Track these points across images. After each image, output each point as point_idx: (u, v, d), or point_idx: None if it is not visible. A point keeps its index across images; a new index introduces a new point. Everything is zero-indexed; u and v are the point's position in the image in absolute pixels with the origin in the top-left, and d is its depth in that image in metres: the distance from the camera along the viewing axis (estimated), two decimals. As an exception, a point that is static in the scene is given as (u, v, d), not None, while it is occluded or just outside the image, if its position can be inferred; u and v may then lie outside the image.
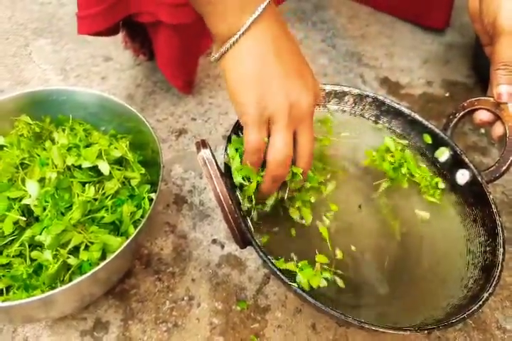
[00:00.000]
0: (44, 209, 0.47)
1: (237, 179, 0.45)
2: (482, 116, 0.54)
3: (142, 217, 0.49)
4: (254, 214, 0.49)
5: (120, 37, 0.86)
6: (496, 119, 0.53)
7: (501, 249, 0.48)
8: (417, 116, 0.60)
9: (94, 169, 0.51)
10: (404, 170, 0.58)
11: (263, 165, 0.44)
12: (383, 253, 0.54)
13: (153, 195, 0.50)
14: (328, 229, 0.53)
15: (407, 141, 0.61)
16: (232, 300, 0.52)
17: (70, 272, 0.45)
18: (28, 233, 0.45)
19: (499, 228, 0.49)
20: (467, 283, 0.48)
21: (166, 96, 0.79)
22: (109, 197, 0.50)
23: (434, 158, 0.59)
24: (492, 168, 0.54)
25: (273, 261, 0.43)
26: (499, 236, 0.49)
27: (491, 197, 0.51)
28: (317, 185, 0.54)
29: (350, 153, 0.63)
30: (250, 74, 0.40)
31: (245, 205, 0.48)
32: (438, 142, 0.58)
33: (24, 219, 0.46)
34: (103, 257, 0.45)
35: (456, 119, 0.58)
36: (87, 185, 0.50)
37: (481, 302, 0.43)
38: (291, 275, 0.43)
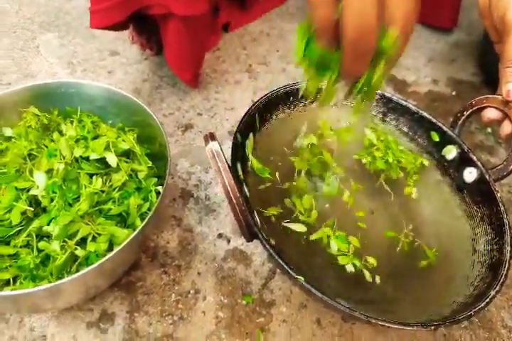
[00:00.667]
0: (51, 200, 0.47)
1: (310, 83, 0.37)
2: (490, 114, 0.54)
3: (149, 209, 0.49)
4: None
5: (127, 31, 0.86)
6: (504, 117, 0.53)
7: (508, 248, 0.48)
8: (425, 114, 0.60)
9: (102, 161, 0.51)
10: (391, 159, 0.58)
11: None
12: (389, 250, 0.54)
13: (160, 188, 0.50)
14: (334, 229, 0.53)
15: (384, 125, 0.62)
16: (238, 294, 0.52)
17: (77, 263, 0.45)
18: (35, 223, 0.45)
19: (506, 226, 0.49)
20: (473, 281, 0.48)
21: (172, 91, 0.79)
22: (116, 189, 0.50)
23: (441, 156, 0.59)
24: (500, 167, 0.54)
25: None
26: (506, 235, 0.48)
27: (499, 195, 0.51)
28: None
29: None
30: None
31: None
32: (445, 140, 0.58)
33: (32, 209, 0.46)
34: (110, 249, 0.45)
35: (464, 117, 0.58)
36: (94, 177, 0.50)
37: (487, 300, 0.43)
38: (297, 268, 0.42)
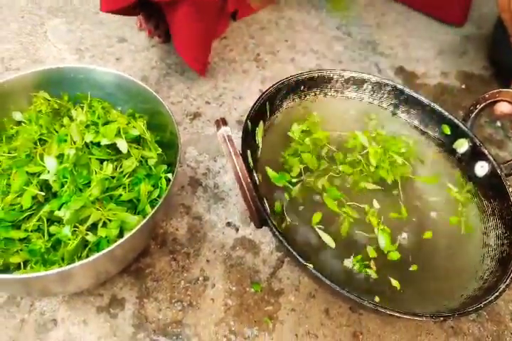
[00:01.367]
0: (62, 185, 0.47)
1: None
2: (503, 108, 0.54)
3: (159, 196, 0.49)
4: None
5: (135, 18, 0.85)
6: (517, 112, 0.53)
7: (519, 242, 0.48)
8: (437, 107, 0.60)
9: (112, 147, 0.51)
10: (386, 166, 0.58)
11: None
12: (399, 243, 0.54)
13: (170, 176, 0.50)
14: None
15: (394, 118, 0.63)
16: (246, 282, 0.52)
17: (87, 249, 0.45)
18: (46, 208, 0.45)
19: (517, 221, 0.49)
20: (483, 275, 0.48)
21: (180, 79, 0.78)
22: (127, 176, 0.50)
23: (453, 149, 0.59)
24: (511, 161, 0.54)
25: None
26: (517, 229, 0.49)
27: (510, 190, 0.51)
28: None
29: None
30: None
31: None
32: (457, 133, 0.58)
33: (43, 194, 0.46)
34: (120, 235, 0.45)
35: (477, 111, 0.58)
36: (105, 163, 0.49)
37: (497, 293, 0.43)
38: (306, 256, 0.42)
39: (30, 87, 0.55)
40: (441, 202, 0.58)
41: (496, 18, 0.85)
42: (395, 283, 0.49)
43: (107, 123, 0.53)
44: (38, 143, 0.50)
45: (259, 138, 0.54)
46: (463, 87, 0.85)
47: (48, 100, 0.54)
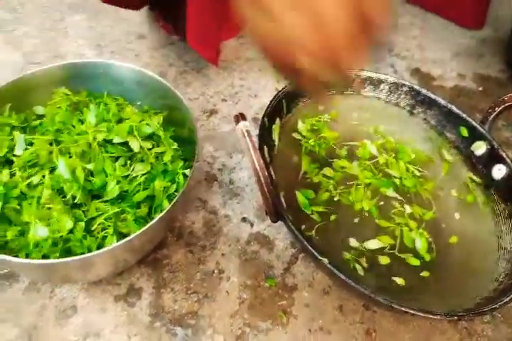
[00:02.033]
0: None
1: None
2: (522, 111, 0.54)
3: (176, 191, 0.50)
4: None
5: (154, 15, 0.86)
6: (536, 114, 0.53)
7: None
8: (454, 108, 0.60)
9: (127, 144, 0.51)
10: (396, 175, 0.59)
11: None
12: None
13: (187, 172, 0.50)
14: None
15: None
16: (261, 276, 0.53)
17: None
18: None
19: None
20: (498, 277, 0.48)
21: (197, 77, 0.79)
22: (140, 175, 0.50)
23: (470, 152, 0.59)
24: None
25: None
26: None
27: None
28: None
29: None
30: None
31: None
32: (475, 135, 0.58)
33: None
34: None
35: (495, 113, 0.58)
36: (117, 162, 0.50)
37: (512, 296, 0.43)
38: (322, 251, 0.43)
39: (51, 81, 0.56)
40: (457, 204, 0.58)
41: (512, 21, 0.84)
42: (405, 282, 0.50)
43: (120, 120, 0.53)
44: (54, 143, 0.50)
45: (275, 136, 0.55)
46: (480, 89, 0.85)
47: (67, 95, 0.55)
